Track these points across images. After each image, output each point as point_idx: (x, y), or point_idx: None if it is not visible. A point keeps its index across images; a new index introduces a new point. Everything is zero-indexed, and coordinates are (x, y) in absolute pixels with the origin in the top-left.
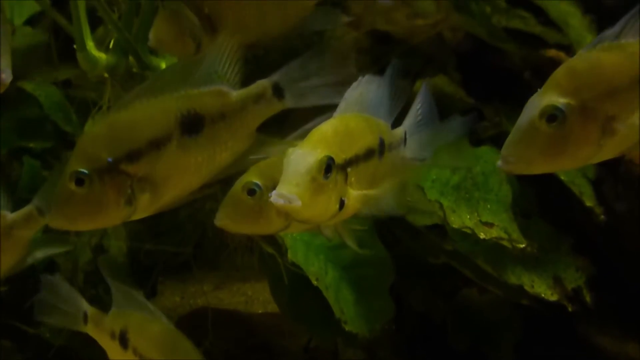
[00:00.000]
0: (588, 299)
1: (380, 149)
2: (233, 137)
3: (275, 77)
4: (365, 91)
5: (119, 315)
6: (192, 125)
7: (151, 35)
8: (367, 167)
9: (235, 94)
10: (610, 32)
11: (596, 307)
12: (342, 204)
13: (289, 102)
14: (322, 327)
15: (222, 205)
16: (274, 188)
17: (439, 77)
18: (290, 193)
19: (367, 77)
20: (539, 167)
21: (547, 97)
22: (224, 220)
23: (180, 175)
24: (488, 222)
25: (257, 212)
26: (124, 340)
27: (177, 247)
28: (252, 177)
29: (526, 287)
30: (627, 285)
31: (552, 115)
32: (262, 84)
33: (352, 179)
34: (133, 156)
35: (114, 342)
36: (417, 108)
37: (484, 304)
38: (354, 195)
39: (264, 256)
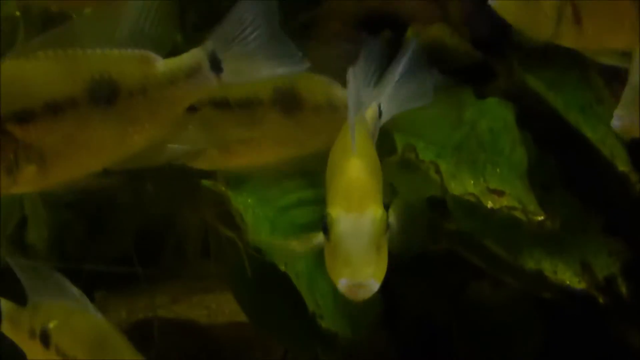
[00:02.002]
0: (624, 289)
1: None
2: (153, 117)
3: (210, 44)
4: (358, 88)
5: (39, 308)
6: (104, 93)
7: None
8: None
9: (163, 63)
10: None
11: (633, 300)
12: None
13: (227, 77)
14: (292, 333)
15: None
16: None
17: (437, 26)
18: (366, 279)
19: (349, 74)
20: None
21: None
22: None
23: (78, 151)
24: (497, 189)
25: None
26: (45, 339)
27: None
28: None
29: (547, 274)
30: None
31: None
32: (196, 54)
33: None
34: (24, 116)
35: (33, 341)
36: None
37: (497, 302)
38: None
39: (221, 245)
